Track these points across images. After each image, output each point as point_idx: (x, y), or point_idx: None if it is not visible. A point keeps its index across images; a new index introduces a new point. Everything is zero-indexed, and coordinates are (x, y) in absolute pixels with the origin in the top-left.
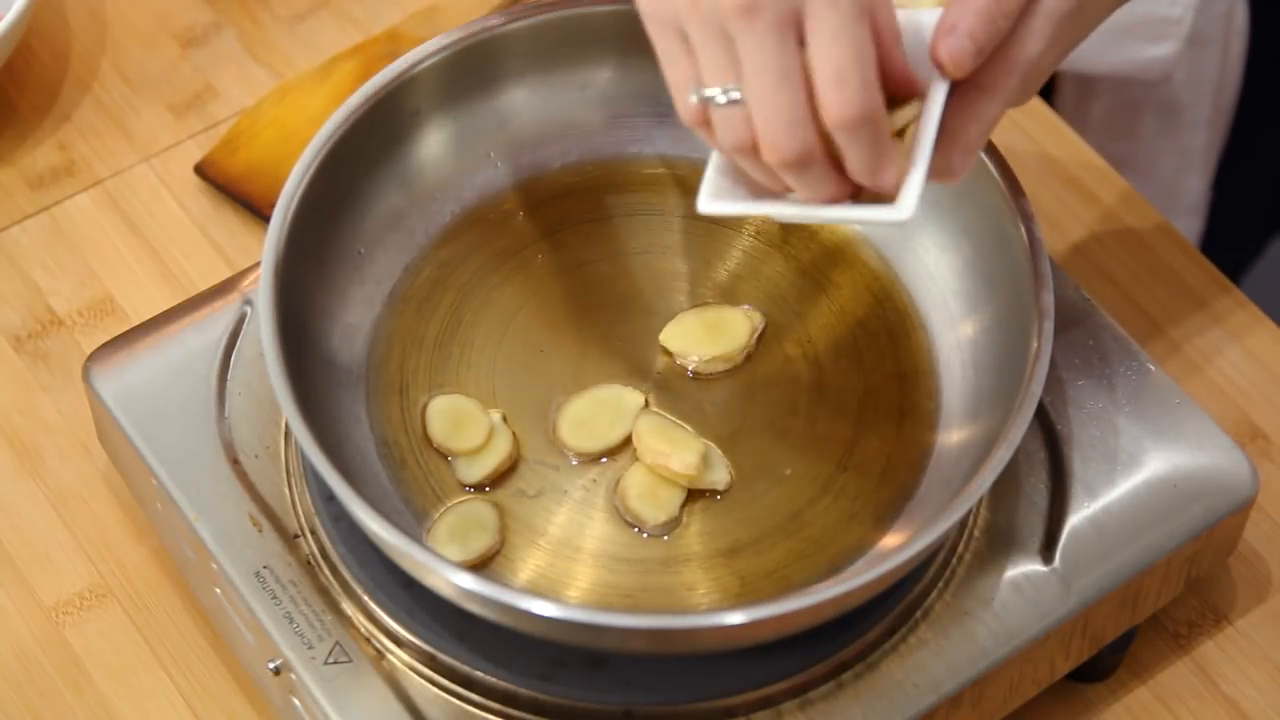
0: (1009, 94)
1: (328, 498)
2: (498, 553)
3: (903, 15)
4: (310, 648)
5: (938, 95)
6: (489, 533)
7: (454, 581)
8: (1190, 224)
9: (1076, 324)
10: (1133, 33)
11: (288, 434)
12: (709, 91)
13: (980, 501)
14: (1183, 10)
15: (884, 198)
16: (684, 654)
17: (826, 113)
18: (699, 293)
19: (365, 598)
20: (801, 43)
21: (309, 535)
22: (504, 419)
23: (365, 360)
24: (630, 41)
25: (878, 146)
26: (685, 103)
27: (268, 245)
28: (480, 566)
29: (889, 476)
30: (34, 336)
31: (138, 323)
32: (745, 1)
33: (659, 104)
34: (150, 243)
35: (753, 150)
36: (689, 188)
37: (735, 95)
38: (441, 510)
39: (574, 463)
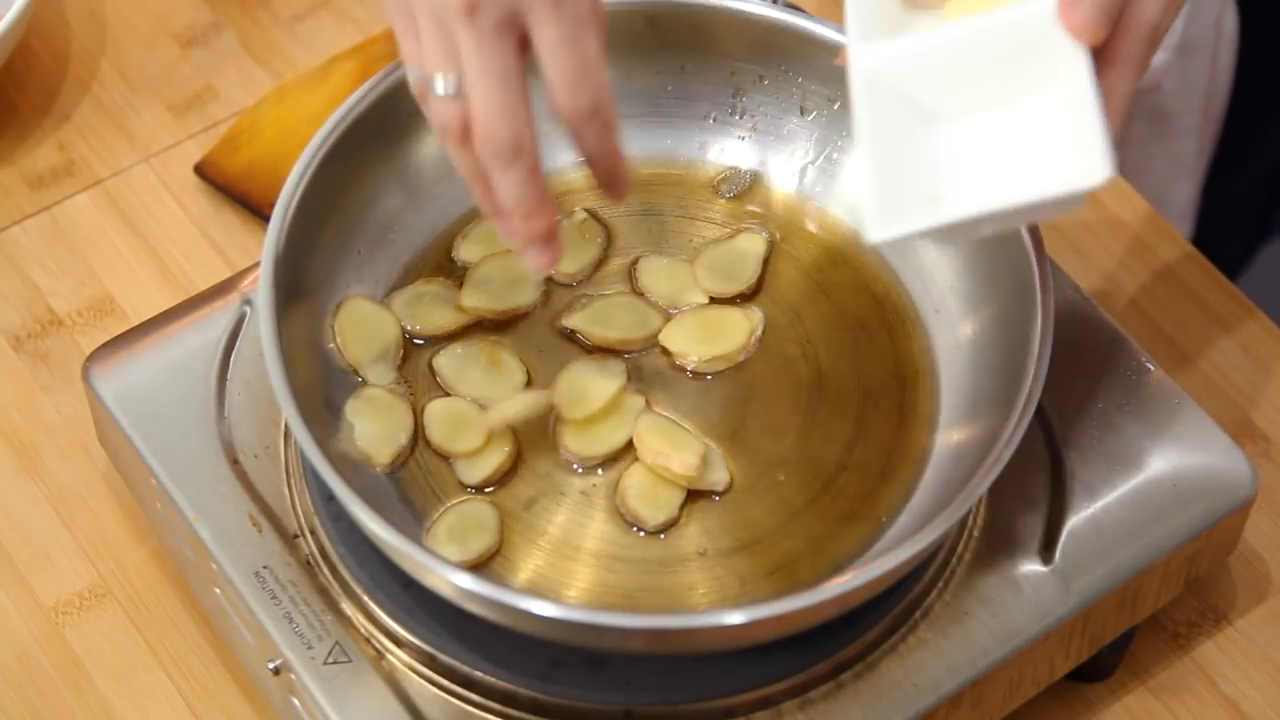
0: (1137, 61)
1: (327, 498)
2: (497, 553)
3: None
4: (310, 648)
5: (1080, 64)
6: (489, 533)
7: (454, 581)
8: (1180, 229)
9: (1076, 324)
10: None
11: (287, 434)
12: (433, 79)
13: (980, 501)
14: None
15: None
16: (684, 654)
17: (558, 110)
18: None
19: (365, 598)
20: (523, 44)
21: (309, 535)
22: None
23: None
24: (629, 41)
25: (608, 134)
26: (410, 77)
27: (267, 245)
28: (480, 566)
29: (889, 476)
30: (34, 336)
31: (137, 323)
32: (467, 1)
33: (658, 104)
34: (150, 243)
35: (462, 138)
36: (688, 188)
37: (453, 89)
38: (441, 510)
39: (576, 467)
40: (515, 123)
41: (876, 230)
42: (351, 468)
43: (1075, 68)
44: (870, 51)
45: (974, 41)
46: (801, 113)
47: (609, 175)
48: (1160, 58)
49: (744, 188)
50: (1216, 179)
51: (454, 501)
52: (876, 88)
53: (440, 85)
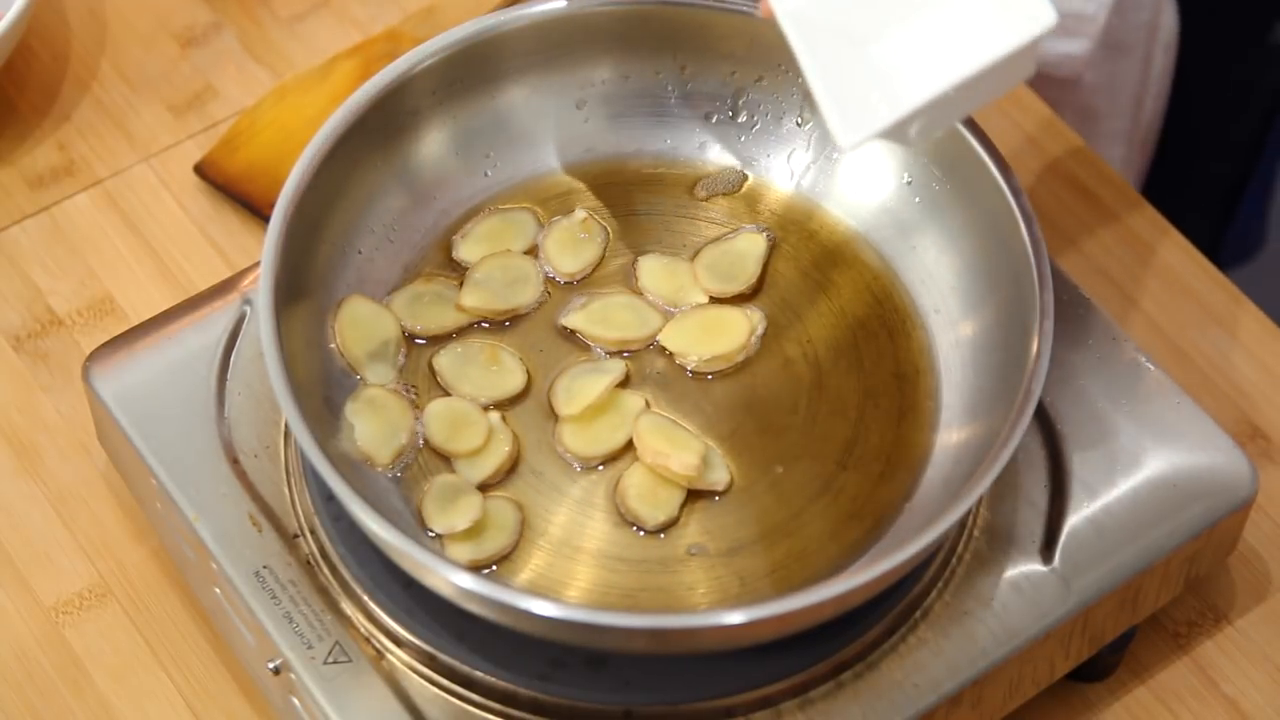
0: None
1: (327, 497)
2: (508, 555)
3: None
4: (310, 648)
5: None
6: (506, 534)
7: (454, 581)
8: None
9: (1076, 324)
10: None
11: (287, 434)
12: None
13: (980, 501)
14: (1096, 8)
15: None
16: (684, 654)
17: None
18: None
19: (365, 598)
20: None
21: (309, 535)
22: (503, 419)
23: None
24: (630, 41)
25: None
26: None
27: (267, 245)
28: (484, 566)
29: (889, 476)
30: (34, 336)
31: (137, 323)
32: None
33: (659, 104)
34: (150, 243)
35: None
36: (688, 188)
37: None
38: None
39: (577, 468)
40: None
41: (845, 136)
42: (351, 468)
43: None
44: None
45: None
46: (801, 112)
47: None
48: (1080, 46)
49: (743, 187)
50: (1160, 197)
51: (447, 475)
52: (804, 25)
53: None
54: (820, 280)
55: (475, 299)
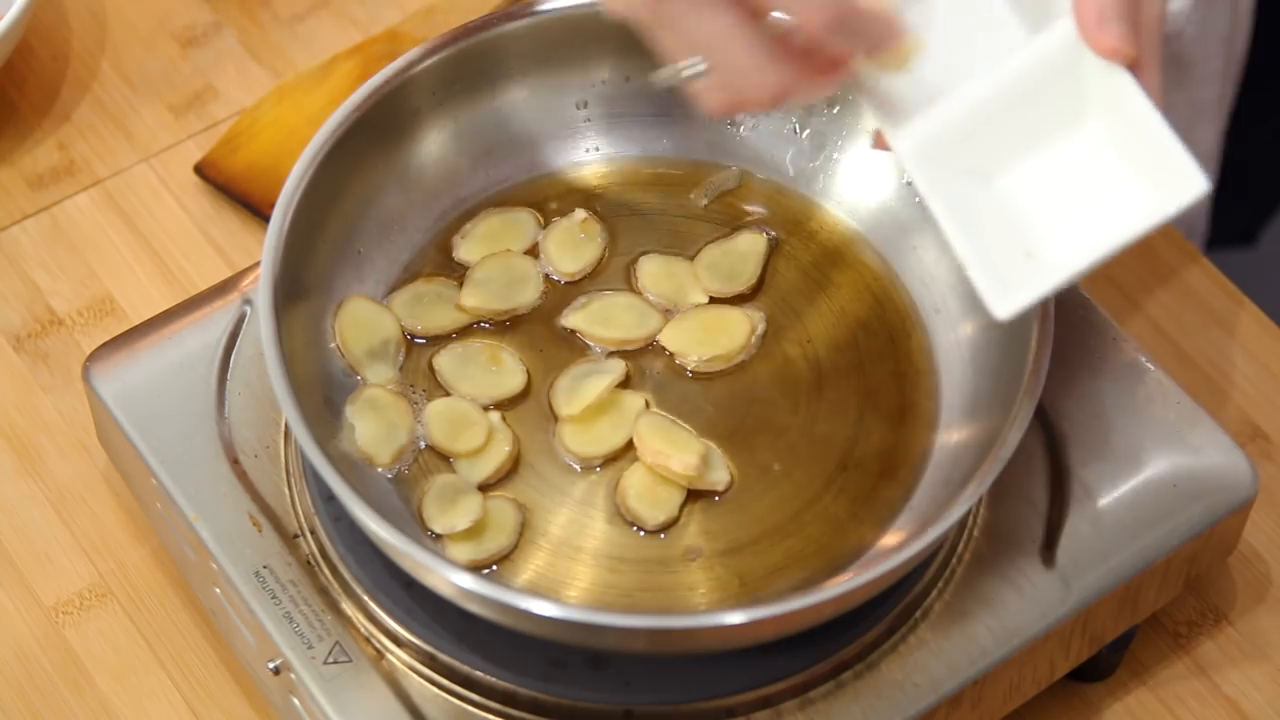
0: (1157, 55)
1: (327, 497)
2: (508, 555)
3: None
4: (310, 647)
5: (1124, 82)
6: (506, 534)
7: (454, 581)
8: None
9: (1077, 324)
10: None
11: (288, 434)
12: (681, 68)
13: (980, 501)
14: None
15: None
16: (684, 654)
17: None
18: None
19: (365, 597)
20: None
21: (309, 535)
22: (504, 419)
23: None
24: (630, 41)
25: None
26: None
27: (267, 245)
28: (484, 566)
29: (889, 476)
30: (34, 336)
31: (137, 323)
32: None
33: (659, 104)
34: (150, 243)
35: (739, 107)
36: (688, 188)
37: (700, 68)
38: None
39: (577, 468)
40: (771, 74)
41: (1001, 308)
42: (351, 468)
43: (1120, 87)
44: (908, 133)
45: (1004, 90)
46: (801, 113)
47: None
48: (1183, 4)
49: (744, 187)
50: (1240, 123)
51: (447, 476)
52: (930, 165)
53: (688, 69)
54: (820, 280)
55: (475, 299)
